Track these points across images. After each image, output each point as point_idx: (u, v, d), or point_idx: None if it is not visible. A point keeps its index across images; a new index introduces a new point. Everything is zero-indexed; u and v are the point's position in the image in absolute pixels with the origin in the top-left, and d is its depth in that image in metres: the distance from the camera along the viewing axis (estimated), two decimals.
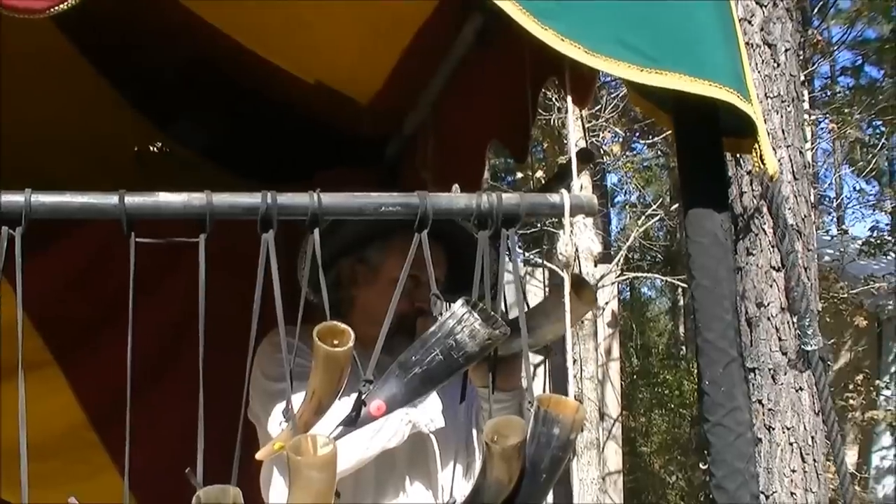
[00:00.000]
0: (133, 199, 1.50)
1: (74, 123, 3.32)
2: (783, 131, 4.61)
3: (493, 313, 1.57)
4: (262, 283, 1.51)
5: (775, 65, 4.64)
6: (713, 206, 1.76)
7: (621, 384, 11.02)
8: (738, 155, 4.49)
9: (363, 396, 1.57)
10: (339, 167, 3.33)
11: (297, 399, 1.58)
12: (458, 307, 1.56)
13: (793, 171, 4.65)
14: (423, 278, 2.01)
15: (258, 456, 1.67)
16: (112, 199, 1.49)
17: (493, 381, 1.74)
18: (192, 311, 1.56)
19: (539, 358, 2.28)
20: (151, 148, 3.75)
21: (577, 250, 1.70)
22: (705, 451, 1.77)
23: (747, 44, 4.47)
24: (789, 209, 4.52)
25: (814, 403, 4.68)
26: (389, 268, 2.33)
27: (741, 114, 1.69)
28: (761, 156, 1.72)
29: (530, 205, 1.65)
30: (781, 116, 4.63)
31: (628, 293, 19.63)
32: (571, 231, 1.66)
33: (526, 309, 2.02)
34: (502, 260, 1.65)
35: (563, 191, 1.67)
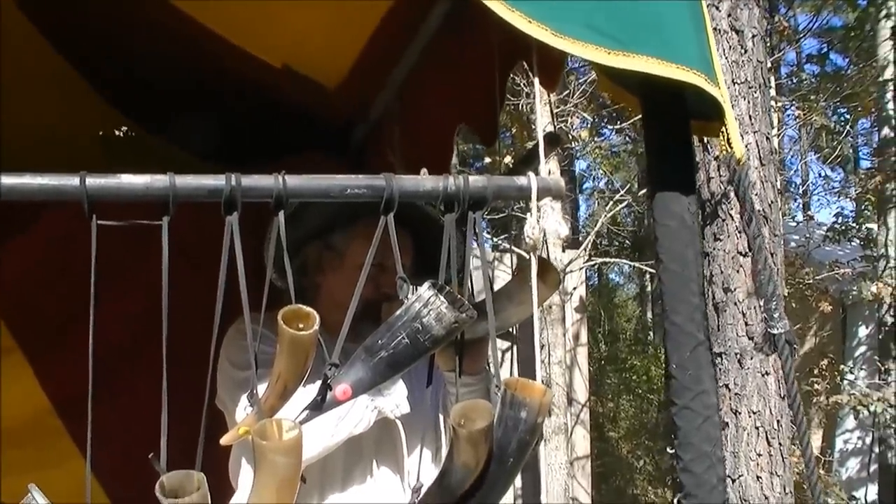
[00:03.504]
0: (94, 181, 1.47)
1: (36, 107, 3.27)
2: (750, 117, 4.63)
3: (459, 296, 1.56)
4: (226, 267, 1.49)
5: (742, 51, 4.66)
6: (680, 189, 1.75)
7: (589, 369, 11.05)
8: (705, 140, 4.52)
9: (329, 381, 1.55)
10: (304, 152, 3.31)
11: (263, 386, 1.57)
12: (425, 290, 1.55)
13: (759, 156, 4.67)
14: (389, 264, 2.00)
15: (223, 441, 1.65)
16: (73, 180, 1.46)
17: (460, 365, 1.74)
18: (157, 299, 1.54)
19: (506, 343, 2.28)
20: (116, 133, 3.70)
21: (544, 233, 1.69)
22: (672, 435, 1.77)
23: (715, 29, 4.48)
24: (756, 195, 4.55)
25: (779, 388, 4.72)
26: (354, 253, 2.32)
27: (708, 97, 1.68)
28: (728, 140, 1.71)
29: (498, 187, 1.64)
30: (748, 102, 4.65)
31: (596, 279, 19.73)
32: (539, 214, 1.65)
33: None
34: (469, 243, 1.64)
35: (531, 173, 1.66)
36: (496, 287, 2.09)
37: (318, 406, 1.56)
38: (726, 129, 1.71)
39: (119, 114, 3.57)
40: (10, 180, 1.45)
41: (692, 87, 1.67)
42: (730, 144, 1.70)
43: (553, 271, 2.10)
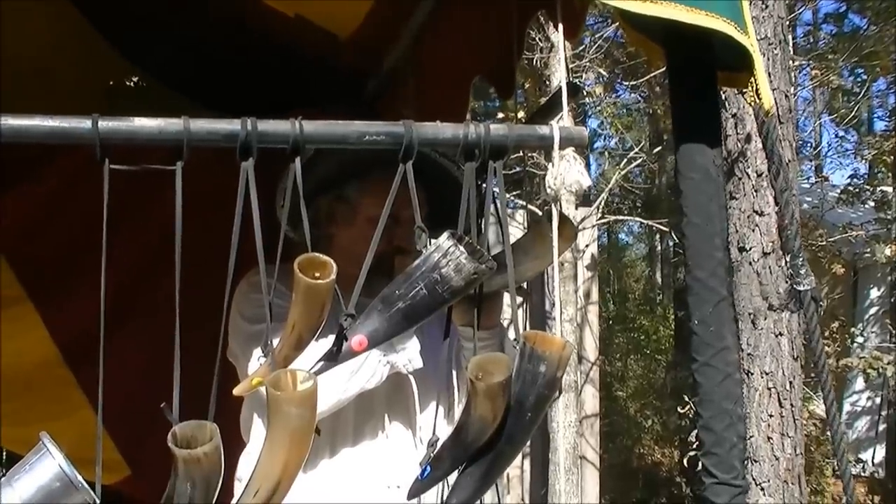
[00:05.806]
0: (107, 124, 1.42)
1: (45, 55, 3.23)
2: (770, 74, 4.57)
3: (478, 247, 1.52)
4: (240, 213, 1.45)
5: (763, 6, 4.59)
6: (705, 141, 1.70)
7: (599, 328, 11.05)
8: (721, 96, 4.45)
9: (344, 331, 1.52)
10: (316, 105, 3.26)
11: (276, 340, 1.53)
12: (444, 240, 1.51)
13: (778, 114, 4.61)
14: (403, 216, 1.96)
15: (236, 391, 1.62)
16: (85, 123, 1.42)
17: (478, 319, 1.70)
18: (165, 245, 1.50)
19: (518, 299, 2.25)
20: (126, 82, 3.66)
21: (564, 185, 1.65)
22: (691, 392, 1.74)
23: None
24: None
25: (792, 349, 4.70)
26: (367, 206, 2.28)
27: (737, 46, 1.63)
28: (757, 90, 1.66)
29: (519, 136, 1.59)
30: (768, 59, 4.59)
31: (605, 239, 19.68)
32: (560, 164, 1.61)
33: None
34: (489, 192, 1.59)
35: (553, 122, 1.62)
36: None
37: (334, 357, 1.53)
38: (755, 80, 1.66)
39: (129, 64, 3.52)
40: (19, 122, 1.41)
41: (720, 35, 1.62)
42: (758, 95, 1.65)
43: (569, 224, 2.06)
